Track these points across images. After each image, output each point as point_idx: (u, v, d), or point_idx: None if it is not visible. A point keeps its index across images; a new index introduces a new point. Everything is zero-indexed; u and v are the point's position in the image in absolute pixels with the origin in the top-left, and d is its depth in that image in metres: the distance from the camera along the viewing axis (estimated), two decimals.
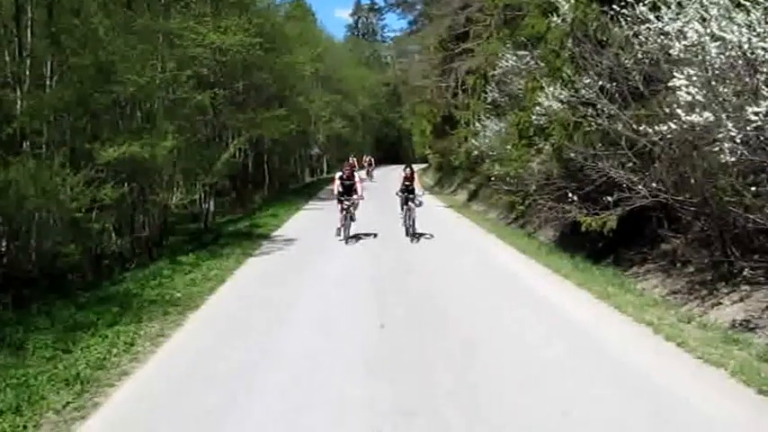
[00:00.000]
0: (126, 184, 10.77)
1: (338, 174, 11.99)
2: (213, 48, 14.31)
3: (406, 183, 11.84)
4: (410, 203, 11.65)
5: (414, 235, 11.54)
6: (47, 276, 8.60)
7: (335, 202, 11.79)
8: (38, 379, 4.68)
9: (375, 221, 13.12)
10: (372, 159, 33.31)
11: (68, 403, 4.32)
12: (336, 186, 11.68)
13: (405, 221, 11.89)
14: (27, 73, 9.00)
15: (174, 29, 12.73)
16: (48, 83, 9.45)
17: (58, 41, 9.68)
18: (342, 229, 11.48)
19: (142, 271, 9.52)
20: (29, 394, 4.39)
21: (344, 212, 11.47)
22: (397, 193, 11.96)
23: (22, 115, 8.68)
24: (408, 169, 12.03)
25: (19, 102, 8.80)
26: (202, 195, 16.55)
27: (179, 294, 7.70)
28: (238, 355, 5.31)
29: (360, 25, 65.93)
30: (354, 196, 11.54)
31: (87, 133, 10.40)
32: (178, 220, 15.76)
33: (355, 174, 11.92)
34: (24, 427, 3.98)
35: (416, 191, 11.82)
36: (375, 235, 12.12)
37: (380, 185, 24.36)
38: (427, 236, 11.76)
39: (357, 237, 11.73)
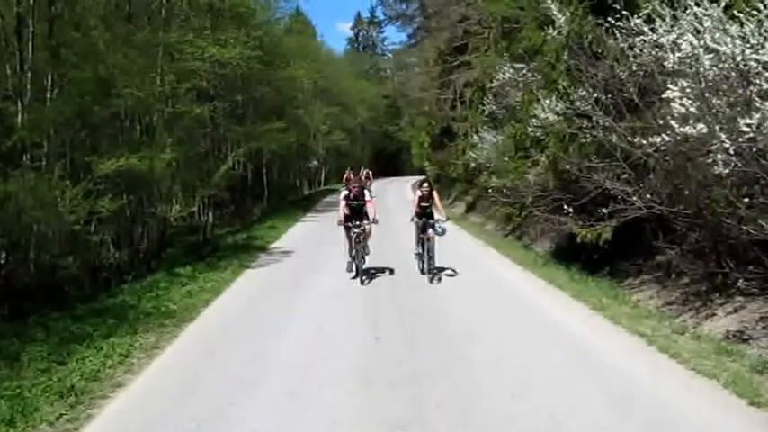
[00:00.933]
0: (124, 197, 10.81)
1: (343, 193, 9.32)
2: (212, 61, 14.43)
3: (423, 204, 9.12)
4: (429, 231, 8.89)
5: (432, 272, 8.79)
6: (45, 288, 8.60)
7: (338, 225, 9.21)
8: (32, 391, 4.67)
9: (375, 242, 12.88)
10: (370, 173, 31.50)
11: (62, 415, 4.30)
12: (342, 209, 9.05)
13: (421, 254, 9.21)
14: (28, 86, 9.08)
15: (173, 42, 12.86)
16: (48, 96, 9.52)
17: (59, 55, 9.79)
18: (352, 262, 9.08)
19: (139, 283, 9.54)
20: (23, 406, 4.38)
21: (354, 242, 8.97)
22: (412, 219, 9.19)
23: (23, 128, 8.75)
24: (426, 185, 9.35)
25: (20, 115, 8.86)
26: (201, 207, 16.61)
27: (175, 306, 7.71)
28: (233, 366, 5.31)
29: (360, 38, 66.43)
30: (365, 222, 8.95)
31: (86, 146, 10.47)
32: (177, 233, 15.79)
33: (366, 192, 9.18)
34: None
35: (436, 215, 9.22)
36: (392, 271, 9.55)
37: (380, 201, 24.29)
38: (449, 271, 9.22)
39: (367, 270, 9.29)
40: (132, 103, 11.08)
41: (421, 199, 9.14)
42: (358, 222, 8.88)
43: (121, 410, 4.44)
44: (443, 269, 9.18)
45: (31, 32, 9.16)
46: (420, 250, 9.22)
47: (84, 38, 10.29)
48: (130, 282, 9.95)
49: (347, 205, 9.01)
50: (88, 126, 10.50)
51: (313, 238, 15.03)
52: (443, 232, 8.95)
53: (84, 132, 10.45)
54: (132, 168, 10.24)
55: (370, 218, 8.98)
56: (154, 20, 13.14)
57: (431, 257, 8.84)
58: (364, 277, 8.86)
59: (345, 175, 25.71)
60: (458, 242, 13.95)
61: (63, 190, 8.61)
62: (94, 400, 4.60)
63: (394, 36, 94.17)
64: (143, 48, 11.67)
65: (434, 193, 9.25)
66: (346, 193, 9.15)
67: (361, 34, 66.18)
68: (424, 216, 9.09)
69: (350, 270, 9.02)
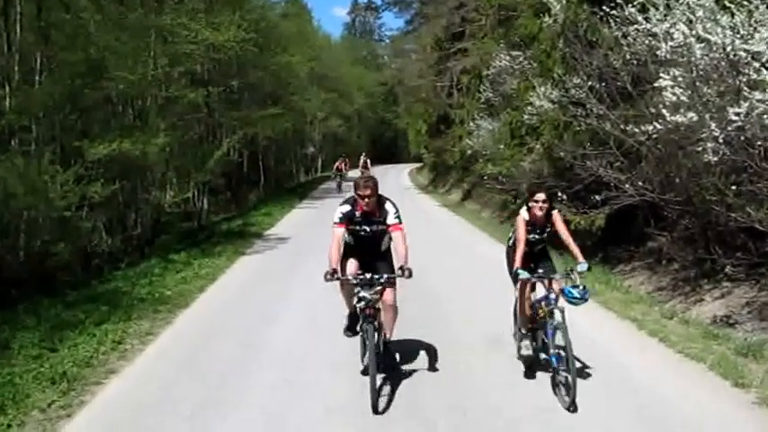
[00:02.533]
0: (117, 182, 10.74)
1: (341, 209, 4.44)
2: (206, 44, 14.28)
3: (535, 236, 4.63)
4: (551, 294, 4.36)
5: (568, 387, 3.93)
6: (35, 276, 8.54)
7: (326, 279, 4.30)
8: (23, 378, 4.66)
9: None
10: (368, 161, 25.62)
11: (54, 402, 4.31)
12: (336, 243, 4.39)
13: (531, 335, 4.64)
14: (16, 68, 8.97)
15: (166, 25, 12.70)
16: (37, 79, 9.41)
17: (48, 37, 9.65)
18: (365, 359, 4.47)
19: (133, 269, 9.51)
20: (14, 393, 4.37)
21: (361, 316, 4.43)
22: (515, 273, 4.46)
23: (11, 112, 8.66)
24: (541, 198, 4.53)
25: (7, 98, 8.76)
26: (196, 194, 16.57)
27: (169, 293, 7.72)
28: (227, 353, 5.32)
29: (357, 24, 66.00)
30: (386, 275, 4.39)
31: (77, 130, 10.36)
32: (171, 219, 15.73)
33: (387, 206, 4.43)
34: (8, 425, 3.97)
35: (553, 261, 4.85)
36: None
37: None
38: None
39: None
40: (124, 86, 10.95)
41: (531, 225, 4.53)
42: (370, 276, 4.30)
43: (115, 397, 4.46)
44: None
45: (19, 13, 9.03)
46: (529, 324, 4.61)
47: (73, 19, 10.14)
48: (124, 268, 9.91)
49: (350, 233, 4.47)
50: (79, 110, 10.39)
51: (309, 224, 15.01)
52: (584, 297, 4.17)
53: (75, 116, 10.33)
54: (125, 153, 10.15)
55: (399, 265, 4.26)
56: (146, 1, 12.95)
57: (560, 358, 4.10)
58: (382, 385, 4.32)
59: (337, 165, 25.01)
60: (454, 229, 14.04)
61: (53, 175, 8.52)
62: (87, 387, 4.60)
63: (391, 22, 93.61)
64: (135, 30, 11.50)
65: (557, 214, 4.62)
66: (347, 208, 4.39)
67: (358, 20, 65.76)
68: (535, 259, 4.65)
69: (365, 374, 4.28)
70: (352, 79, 43.90)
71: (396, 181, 30.53)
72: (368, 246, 4.53)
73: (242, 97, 21.08)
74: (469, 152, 16.63)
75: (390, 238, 4.42)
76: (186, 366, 5.04)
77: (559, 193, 8.51)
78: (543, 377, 4.39)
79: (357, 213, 4.39)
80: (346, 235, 4.48)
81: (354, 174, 25.51)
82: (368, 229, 4.45)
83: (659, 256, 7.48)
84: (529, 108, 9.70)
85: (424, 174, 33.62)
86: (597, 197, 7.52)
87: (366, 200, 4.28)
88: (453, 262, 9.43)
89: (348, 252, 4.55)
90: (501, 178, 12.12)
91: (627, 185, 6.95)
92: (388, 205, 4.40)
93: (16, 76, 8.93)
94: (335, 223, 4.38)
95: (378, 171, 31.77)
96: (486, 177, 13.83)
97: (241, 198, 22.69)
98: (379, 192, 4.37)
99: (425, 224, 13.97)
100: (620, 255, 8.27)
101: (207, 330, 6.18)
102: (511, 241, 4.83)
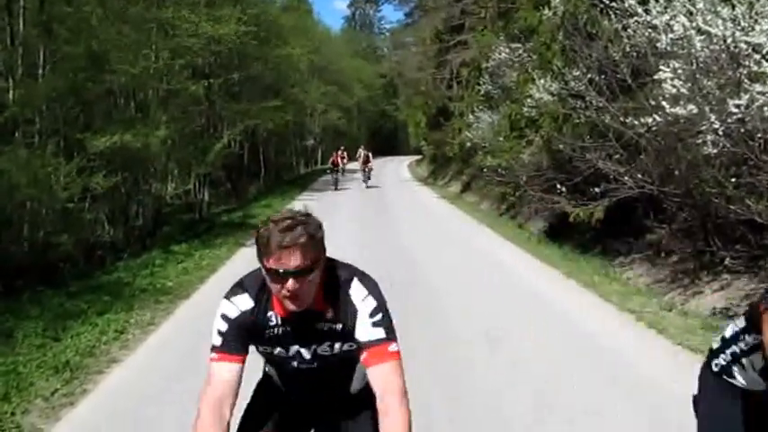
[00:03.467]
0: (119, 174, 10.80)
1: (228, 308, 1.81)
2: (207, 38, 14.27)
3: None
4: None
5: None
6: (39, 267, 8.61)
7: None
8: (27, 366, 4.70)
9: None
10: (370, 154, 24.19)
11: (57, 390, 4.34)
12: (221, 394, 1.73)
13: None
14: (19, 62, 8.99)
15: (167, 18, 12.70)
16: (40, 72, 9.45)
17: (51, 30, 9.68)
18: None
19: (135, 260, 9.57)
20: (17, 381, 4.41)
21: None
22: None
23: (15, 104, 8.69)
24: None
25: (11, 91, 8.79)
26: (197, 186, 16.62)
27: (171, 283, 7.77)
28: None
29: (357, 16, 65.74)
30: None
31: (80, 123, 10.41)
32: (172, 211, 15.80)
33: (354, 292, 1.68)
34: (12, 413, 4.00)
35: None
36: None
37: (377, 181, 24.26)
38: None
39: None
40: (126, 79, 10.98)
41: None
42: None
43: (117, 386, 4.49)
44: None
45: (22, 7, 9.05)
46: None
47: (76, 12, 10.16)
48: (125, 259, 9.98)
49: (269, 362, 2.00)
50: (81, 102, 10.44)
51: None
52: None
53: (78, 109, 10.38)
54: (127, 145, 10.21)
55: None
56: None
57: None
58: None
59: (333, 158, 24.65)
60: (452, 221, 14.06)
61: (56, 167, 8.59)
62: (90, 376, 4.64)
63: (391, 15, 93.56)
64: (137, 23, 11.53)
65: None
66: (246, 306, 1.77)
67: (358, 12, 65.50)
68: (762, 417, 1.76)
69: None
70: (351, 72, 43.78)
71: (395, 173, 30.60)
72: (311, 392, 1.95)
73: (242, 90, 21.05)
74: (469, 144, 16.63)
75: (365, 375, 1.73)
76: (188, 356, 5.06)
77: (558, 186, 8.55)
78: (545, 373, 4.44)
79: (273, 318, 1.79)
80: (271, 371, 2.00)
81: (354, 167, 25.47)
82: (306, 353, 1.83)
83: (658, 249, 7.50)
84: (528, 100, 9.71)
85: (423, 166, 33.63)
86: (596, 189, 7.53)
87: (291, 281, 1.59)
88: (451, 254, 9.47)
89: (263, 415, 1.99)
90: (500, 170, 12.16)
91: (626, 178, 6.96)
92: (354, 290, 1.73)
93: (20, 69, 8.94)
94: (214, 350, 1.82)
95: (377, 163, 31.81)
96: (485, 170, 13.87)
97: (241, 190, 22.72)
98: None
99: (424, 216, 14.05)
100: (620, 247, 8.29)
101: (208, 320, 6.13)
102: (718, 362, 2.00)
